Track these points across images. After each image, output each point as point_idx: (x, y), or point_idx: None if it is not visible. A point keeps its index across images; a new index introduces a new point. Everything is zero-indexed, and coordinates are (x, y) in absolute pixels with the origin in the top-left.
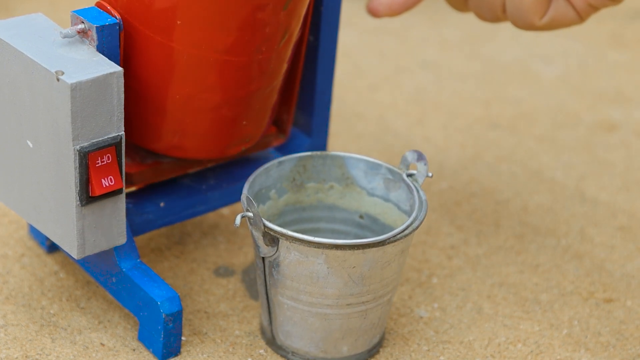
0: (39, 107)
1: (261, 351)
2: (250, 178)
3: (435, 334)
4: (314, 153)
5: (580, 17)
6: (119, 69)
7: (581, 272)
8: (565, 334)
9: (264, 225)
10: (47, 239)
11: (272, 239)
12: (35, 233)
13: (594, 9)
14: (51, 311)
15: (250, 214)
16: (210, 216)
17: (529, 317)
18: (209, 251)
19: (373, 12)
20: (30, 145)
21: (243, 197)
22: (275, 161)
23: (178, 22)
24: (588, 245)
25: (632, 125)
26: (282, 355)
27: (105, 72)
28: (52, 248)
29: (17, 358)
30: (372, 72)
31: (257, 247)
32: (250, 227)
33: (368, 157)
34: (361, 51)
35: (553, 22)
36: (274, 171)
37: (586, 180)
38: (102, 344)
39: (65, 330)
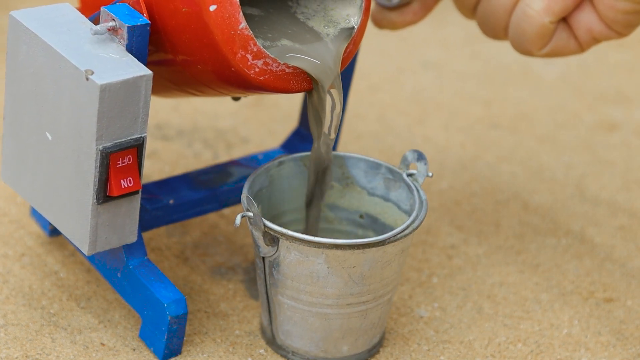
0: (63, 102)
1: (261, 351)
2: (251, 178)
3: (435, 333)
4: None
5: (582, 48)
6: (148, 72)
7: (581, 272)
8: (565, 333)
9: (264, 225)
10: (50, 223)
11: (272, 239)
12: (37, 216)
13: (597, 41)
14: (51, 311)
15: (251, 214)
16: (211, 216)
17: (529, 317)
18: (209, 251)
19: (376, 23)
20: (50, 137)
21: (243, 196)
22: (276, 161)
23: (198, 67)
24: (588, 244)
25: (632, 125)
26: (282, 355)
27: (135, 75)
28: (54, 232)
29: (17, 358)
30: (373, 72)
31: (257, 247)
32: (250, 227)
33: (368, 156)
34: (362, 51)
35: (553, 52)
36: (274, 171)
37: (586, 179)
38: (103, 344)
39: (66, 330)
